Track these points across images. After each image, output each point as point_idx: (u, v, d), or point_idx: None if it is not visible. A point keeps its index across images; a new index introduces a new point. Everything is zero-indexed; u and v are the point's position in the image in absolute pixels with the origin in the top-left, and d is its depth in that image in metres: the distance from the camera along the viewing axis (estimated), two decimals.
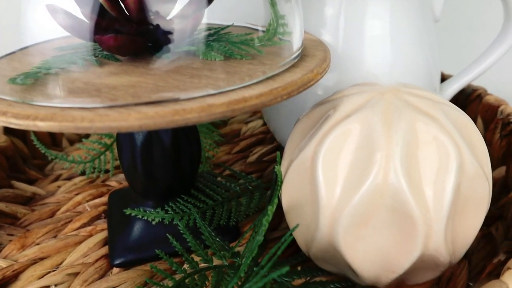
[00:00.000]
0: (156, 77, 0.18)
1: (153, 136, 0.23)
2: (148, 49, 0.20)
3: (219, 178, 0.30)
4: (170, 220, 0.25)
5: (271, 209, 0.20)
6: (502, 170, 0.29)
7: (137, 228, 0.25)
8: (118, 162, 0.33)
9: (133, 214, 0.24)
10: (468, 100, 0.33)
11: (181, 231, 0.23)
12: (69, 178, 0.33)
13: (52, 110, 0.15)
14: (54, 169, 0.34)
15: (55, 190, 0.32)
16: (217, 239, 0.23)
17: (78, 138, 0.38)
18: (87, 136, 0.39)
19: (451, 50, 0.37)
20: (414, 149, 0.18)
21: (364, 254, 0.19)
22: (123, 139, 0.24)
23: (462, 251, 0.20)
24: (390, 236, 0.19)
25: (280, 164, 0.22)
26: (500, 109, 0.30)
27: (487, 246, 0.25)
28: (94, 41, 0.20)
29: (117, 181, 0.32)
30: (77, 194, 0.31)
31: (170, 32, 0.20)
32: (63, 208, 0.29)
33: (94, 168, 0.32)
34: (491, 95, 0.32)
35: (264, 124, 0.40)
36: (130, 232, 0.25)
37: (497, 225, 0.26)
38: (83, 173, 0.33)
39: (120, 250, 0.25)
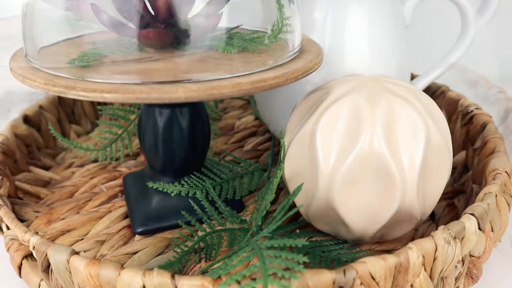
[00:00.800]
0: (186, 64, 0.23)
1: (173, 119, 0.28)
2: (174, 43, 0.25)
3: (222, 162, 0.34)
4: (186, 192, 0.29)
5: (279, 173, 0.24)
6: (463, 154, 0.35)
7: (156, 201, 0.29)
8: (128, 151, 0.37)
9: (155, 187, 0.28)
10: (434, 96, 0.40)
11: (200, 201, 0.27)
12: (81, 165, 0.37)
13: (114, 85, 0.20)
14: (65, 158, 0.38)
15: (70, 176, 0.35)
16: (227, 208, 0.28)
17: (84, 132, 0.42)
18: (92, 130, 0.42)
19: (419, 52, 0.44)
20: (392, 123, 0.24)
21: (354, 209, 0.24)
22: (146, 123, 0.28)
23: (430, 208, 0.26)
24: (375, 192, 0.24)
25: (283, 139, 0.27)
26: (460, 102, 0.37)
27: (451, 213, 0.31)
28: (127, 35, 0.24)
29: (127, 167, 0.36)
30: (92, 178, 0.34)
31: (193, 30, 0.25)
32: (81, 190, 0.33)
33: (106, 156, 0.36)
34: (452, 91, 0.38)
35: (255, 119, 0.45)
36: (149, 205, 0.29)
37: (459, 198, 0.32)
38: (94, 161, 0.37)
39: (141, 220, 0.29)
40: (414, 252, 0.20)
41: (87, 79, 0.21)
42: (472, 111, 0.35)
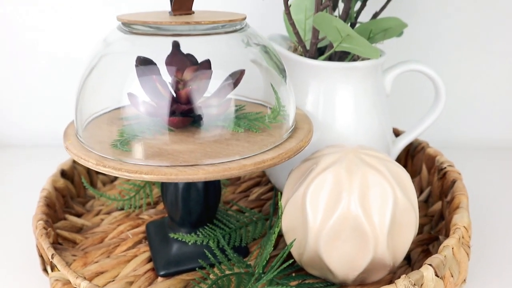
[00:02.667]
0: (203, 145, 0.31)
1: (191, 183, 0.35)
2: (192, 124, 0.33)
3: (229, 212, 0.42)
4: (201, 241, 0.36)
5: (277, 230, 0.32)
6: (439, 204, 0.43)
7: (175, 248, 0.37)
8: (149, 199, 0.45)
9: (175, 237, 0.36)
10: (416, 151, 0.47)
11: (212, 249, 0.35)
12: (108, 213, 0.44)
13: (150, 167, 0.28)
14: (93, 206, 0.46)
15: (99, 222, 0.43)
16: (235, 254, 0.35)
17: (108, 180, 0.50)
18: (115, 179, 0.50)
19: (404, 113, 0.52)
20: (366, 190, 0.31)
21: (337, 258, 0.31)
22: (169, 184, 0.36)
23: (400, 257, 0.33)
24: (353, 245, 0.31)
25: (280, 200, 0.34)
26: (436, 158, 0.44)
27: (425, 258, 0.38)
28: (153, 117, 0.32)
29: (148, 215, 0.43)
30: (118, 225, 0.42)
31: (207, 115, 0.32)
32: (110, 235, 0.41)
33: (130, 205, 0.44)
34: (431, 147, 0.46)
35: None
36: (170, 251, 0.37)
37: (433, 244, 0.39)
38: (120, 209, 0.44)
39: (164, 264, 0.36)
40: None
41: (128, 162, 0.28)
42: (445, 167, 0.42)
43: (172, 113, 0.32)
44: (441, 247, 0.32)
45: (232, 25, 0.31)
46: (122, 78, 0.32)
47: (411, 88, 0.57)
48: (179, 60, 0.33)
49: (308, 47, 0.40)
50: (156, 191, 0.47)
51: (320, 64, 0.39)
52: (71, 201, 0.44)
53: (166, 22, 0.29)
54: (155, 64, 0.32)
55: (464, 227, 0.34)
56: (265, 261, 0.32)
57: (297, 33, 0.38)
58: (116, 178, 0.50)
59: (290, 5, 0.38)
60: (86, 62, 0.32)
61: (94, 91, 0.32)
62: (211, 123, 0.33)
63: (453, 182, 0.40)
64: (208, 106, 0.33)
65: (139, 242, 0.40)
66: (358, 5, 0.42)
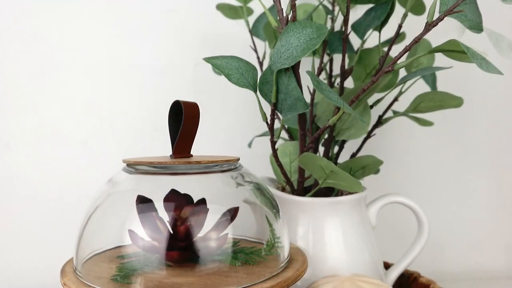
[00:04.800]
0: (203, 277, 0.31)
1: None
2: (191, 259, 0.33)
3: None
4: None
5: None
6: None
7: None
8: None
9: None
10: (409, 282, 0.47)
11: None
12: None
13: None
14: None
15: None
16: None
17: None
18: None
19: (390, 246, 0.53)
20: None
21: None
22: None
23: None
24: None
25: None
26: (430, 287, 0.44)
27: None
28: (153, 253, 0.33)
29: None
30: None
31: (205, 250, 0.33)
32: None
33: None
34: (423, 277, 0.46)
35: None
36: None
37: None
38: None
39: None
40: None
41: None
42: None
43: (171, 249, 0.33)
44: None
45: (228, 165, 0.35)
46: (123, 216, 0.33)
47: (394, 221, 0.59)
48: (177, 200, 0.36)
49: (295, 187, 0.44)
50: None
51: (307, 200, 0.41)
52: None
53: (169, 162, 0.32)
54: (153, 203, 0.34)
55: None
56: None
57: (284, 173, 0.42)
58: None
59: (277, 149, 0.42)
60: (91, 201, 0.34)
61: (97, 228, 0.33)
62: (209, 257, 0.33)
63: None
64: (205, 241, 0.34)
65: None
66: (336, 148, 0.48)
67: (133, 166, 0.34)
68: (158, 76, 0.60)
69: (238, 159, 0.36)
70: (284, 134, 0.53)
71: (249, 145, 0.55)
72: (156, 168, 0.33)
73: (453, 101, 0.45)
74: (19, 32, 0.58)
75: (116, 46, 0.59)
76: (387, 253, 0.51)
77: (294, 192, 0.43)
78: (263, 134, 0.54)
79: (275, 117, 0.41)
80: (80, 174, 0.60)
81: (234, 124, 0.61)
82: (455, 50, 0.34)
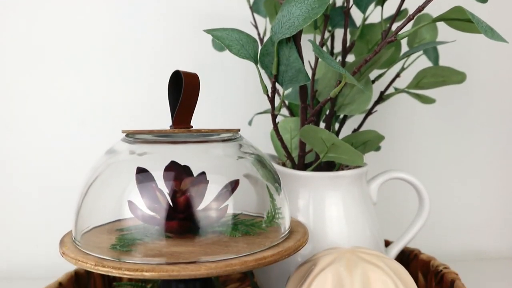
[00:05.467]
0: (203, 247, 0.31)
1: (189, 286, 0.34)
2: (191, 230, 0.33)
3: None
4: None
5: None
6: None
7: None
8: None
9: None
10: (409, 259, 0.47)
11: None
12: None
13: (151, 265, 0.27)
14: None
15: None
16: None
17: None
18: None
19: (390, 224, 0.53)
20: (367, 286, 0.31)
21: None
22: None
23: None
24: None
25: None
26: (431, 263, 0.44)
27: None
28: (152, 225, 0.32)
29: None
30: None
31: (205, 220, 0.33)
32: None
33: None
34: (424, 254, 0.46)
35: None
36: None
37: None
38: None
39: None
40: None
41: (128, 261, 0.28)
42: (441, 270, 0.42)
43: (171, 219, 0.33)
44: None
45: (228, 135, 0.34)
46: (122, 186, 0.33)
47: (395, 200, 0.59)
48: (177, 171, 0.35)
49: (296, 162, 0.43)
50: None
51: (308, 174, 0.41)
52: None
53: (169, 131, 0.32)
54: (152, 174, 0.34)
55: None
56: None
57: (285, 147, 0.42)
58: None
59: (278, 123, 0.42)
60: (90, 171, 0.34)
61: (96, 198, 0.33)
62: (209, 228, 0.33)
63: (452, 282, 0.39)
64: (205, 212, 0.33)
65: None
66: (337, 126, 0.47)
67: (132, 136, 0.34)
68: (156, 53, 0.59)
69: (239, 130, 0.36)
70: (285, 112, 0.53)
71: (250, 123, 0.54)
72: (155, 136, 0.33)
73: (456, 77, 0.45)
74: (17, 5, 0.57)
75: (113, 23, 0.58)
76: (387, 232, 0.50)
77: (294, 167, 0.43)
78: (264, 112, 0.53)
79: (276, 92, 0.41)
80: (78, 154, 0.59)
81: (234, 102, 0.60)
82: (459, 19, 0.33)
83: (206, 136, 0.33)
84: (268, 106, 0.55)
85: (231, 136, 0.35)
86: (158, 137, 0.33)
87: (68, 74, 0.59)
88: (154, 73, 0.59)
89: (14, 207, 0.60)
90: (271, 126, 0.47)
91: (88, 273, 0.47)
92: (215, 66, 0.59)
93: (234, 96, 0.60)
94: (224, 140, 0.34)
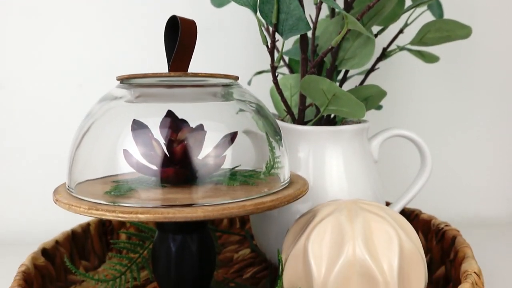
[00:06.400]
0: (200, 194, 0.30)
1: (184, 245, 0.33)
2: (188, 180, 0.32)
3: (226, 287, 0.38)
4: None
5: (280, 282, 0.29)
6: (442, 269, 0.40)
7: None
8: (136, 282, 0.41)
9: None
10: (409, 219, 0.46)
11: None
12: None
13: (146, 208, 0.26)
14: None
15: None
16: None
17: (91, 267, 0.46)
18: (99, 266, 0.47)
19: (389, 183, 0.52)
20: (369, 235, 0.30)
21: None
22: (160, 248, 0.33)
23: None
24: None
25: (280, 257, 0.32)
26: (432, 222, 0.43)
27: None
28: (148, 175, 0.31)
29: None
30: None
31: (202, 169, 0.32)
32: None
33: (115, 287, 0.40)
34: (424, 213, 0.45)
35: (251, 251, 0.49)
36: None
37: None
38: None
39: None
40: None
41: (122, 205, 0.27)
42: (442, 228, 0.41)
43: (167, 167, 0.32)
44: None
45: (227, 80, 0.33)
46: (117, 134, 0.32)
47: (397, 159, 0.58)
48: (173, 122, 0.34)
49: (296, 117, 0.42)
50: (144, 274, 0.43)
51: (308, 129, 0.40)
52: (50, 285, 0.40)
53: (165, 74, 0.30)
54: (148, 126, 0.32)
55: (475, 272, 0.32)
56: None
57: (285, 101, 0.40)
58: (99, 265, 0.47)
59: (277, 75, 0.40)
60: (84, 119, 0.32)
61: (90, 147, 0.32)
62: (206, 179, 0.32)
63: (454, 238, 0.38)
64: (202, 161, 0.32)
65: None
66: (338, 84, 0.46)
67: (127, 81, 0.32)
68: (155, 17, 0.57)
69: (237, 78, 0.34)
70: (285, 71, 0.51)
71: (249, 83, 0.53)
72: (151, 78, 0.31)
73: (461, 31, 0.43)
74: None
75: None
76: (387, 194, 0.49)
77: (294, 122, 0.42)
78: (263, 71, 0.52)
79: (275, 45, 0.39)
80: (76, 117, 0.58)
81: (233, 61, 0.59)
82: None
83: (204, 81, 0.32)
84: (267, 66, 0.53)
85: (230, 82, 0.33)
86: (153, 79, 0.31)
87: (66, 36, 0.57)
88: (155, 32, 0.57)
89: (11, 175, 0.59)
90: (270, 86, 0.45)
91: (85, 232, 0.47)
92: (214, 26, 0.57)
93: (233, 56, 0.58)
94: (222, 85, 0.33)
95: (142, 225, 0.44)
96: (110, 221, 0.49)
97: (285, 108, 0.41)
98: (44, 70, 0.58)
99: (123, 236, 0.49)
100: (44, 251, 0.40)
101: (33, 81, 0.58)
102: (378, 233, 0.30)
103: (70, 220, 0.46)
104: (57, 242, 0.43)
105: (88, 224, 0.47)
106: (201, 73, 0.31)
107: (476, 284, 0.31)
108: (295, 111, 0.44)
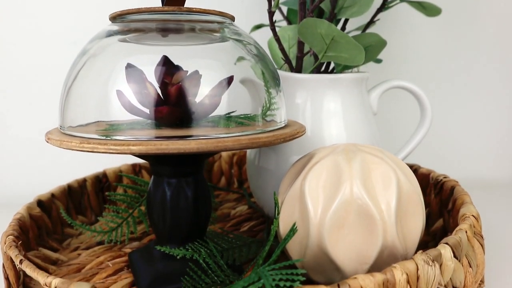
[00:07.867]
0: (196, 131, 0.29)
1: (180, 189, 0.32)
2: (183, 122, 0.31)
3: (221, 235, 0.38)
4: (190, 257, 0.32)
5: (274, 227, 0.28)
6: (440, 221, 0.40)
7: (162, 266, 0.32)
8: (133, 235, 0.41)
9: (162, 250, 0.32)
10: None
11: (201, 266, 0.30)
12: (87, 248, 0.39)
13: (138, 141, 0.25)
14: (71, 244, 0.41)
15: (77, 257, 0.38)
16: (228, 270, 0.31)
17: (88, 222, 0.45)
18: (95, 222, 0.46)
19: (388, 135, 0.51)
20: (367, 174, 0.29)
21: (344, 250, 0.28)
22: (155, 192, 0.33)
23: (412, 248, 0.29)
24: (360, 233, 0.28)
25: (276, 196, 0.31)
26: (430, 175, 0.42)
27: None
28: (142, 117, 0.30)
29: (131, 248, 0.39)
30: (98, 257, 0.37)
31: (198, 110, 0.31)
32: (88, 266, 0.36)
33: (111, 239, 0.39)
34: (423, 168, 0.44)
35: (249, 208, 0.49)
36: (155, 270, 0.32)
37: None
38: (99, 243, 0.40)
39: (149, 284, 0.31)
40: (398, 270, 0.24)
41: (115, 138, 0.26)
42: (441, 180, 0.40)
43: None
44: (454, 231, 0.29)
45: (223, 18, 0.32)
46: (110, 74, 0.31)
47: (396, 112, 0.57)
48: (168, 68, 0.33)
49: (294, 66, 0.41)
50: (141, 228, 0.43)
51: (306, 77, 0.39)
52: (46, 236, 0.39)
53: (159, 8, 0.29)
54: (141, 69, 0.31)
55: (473, 215, 0.31)
56: (265, 254, 0.28)
57: (282, 49, 0.39)
58: (96, 220, 0.46)
59: (275, 21, 0.39)
60: (76, 58, 0.31)
61: (82, 89, 0.31)
62: (201, 121, 0.31)
63: (452, 189, 0.38)
64: (198, 103, 0.31)
65: (121, 269, 0.35)
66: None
67: (120, 18, 0.31)
68: None
69: (234, 18, 0.33)
70: (284, 24, 0.50)
71: None
72: (144, 14, 0.30)
73: None
74: None
75: None
76: (385, 148, 0.49)
77: (292, 71, 0.40)
78: (261, 25, 0.50)
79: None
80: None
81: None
82: None
83: (199, 15, 0.30)
84: (266, 21, 0.52)
85: (226, 20, 0.32)
86: (147, 14, 0.30)
87: None
88: None
89: (10, 143, 0.59)
90: (269, 37, 0.44)
91: (82, 188, 0.46)
92: None
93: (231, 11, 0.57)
94: (218, 22, 0.31)
95: (138, 178, 0.43)
96: (106, 177, 0.48)
97: (283, 57, 0.40)
98: (37, 30, 0.56)
99: (120, 191, 0.49)
100: (40, 203, 0.40)
101: (27, 41, 0.57)
102: (377, 173, 0.29)
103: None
104: (52, 195, 0.42)
105: (84, 180, 0.46)
106: (195, 8, 0.30)
107: (474, 226, 0.30)
108: (293, 63, 0.43)
